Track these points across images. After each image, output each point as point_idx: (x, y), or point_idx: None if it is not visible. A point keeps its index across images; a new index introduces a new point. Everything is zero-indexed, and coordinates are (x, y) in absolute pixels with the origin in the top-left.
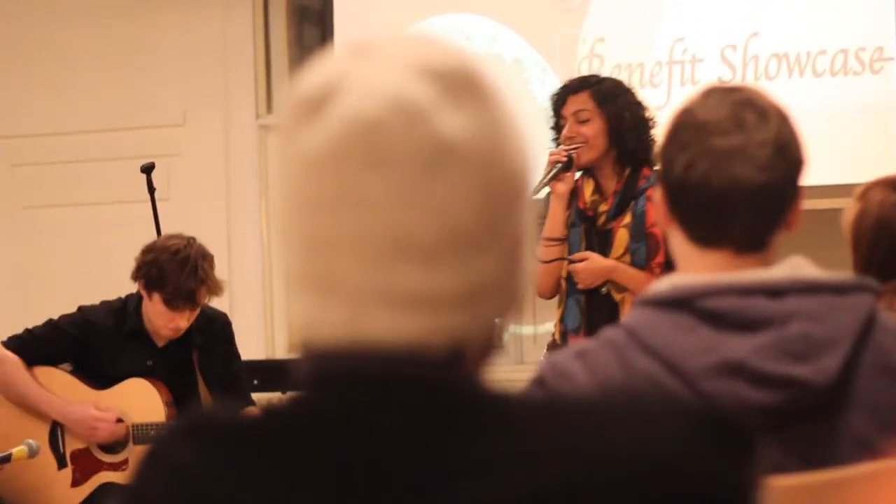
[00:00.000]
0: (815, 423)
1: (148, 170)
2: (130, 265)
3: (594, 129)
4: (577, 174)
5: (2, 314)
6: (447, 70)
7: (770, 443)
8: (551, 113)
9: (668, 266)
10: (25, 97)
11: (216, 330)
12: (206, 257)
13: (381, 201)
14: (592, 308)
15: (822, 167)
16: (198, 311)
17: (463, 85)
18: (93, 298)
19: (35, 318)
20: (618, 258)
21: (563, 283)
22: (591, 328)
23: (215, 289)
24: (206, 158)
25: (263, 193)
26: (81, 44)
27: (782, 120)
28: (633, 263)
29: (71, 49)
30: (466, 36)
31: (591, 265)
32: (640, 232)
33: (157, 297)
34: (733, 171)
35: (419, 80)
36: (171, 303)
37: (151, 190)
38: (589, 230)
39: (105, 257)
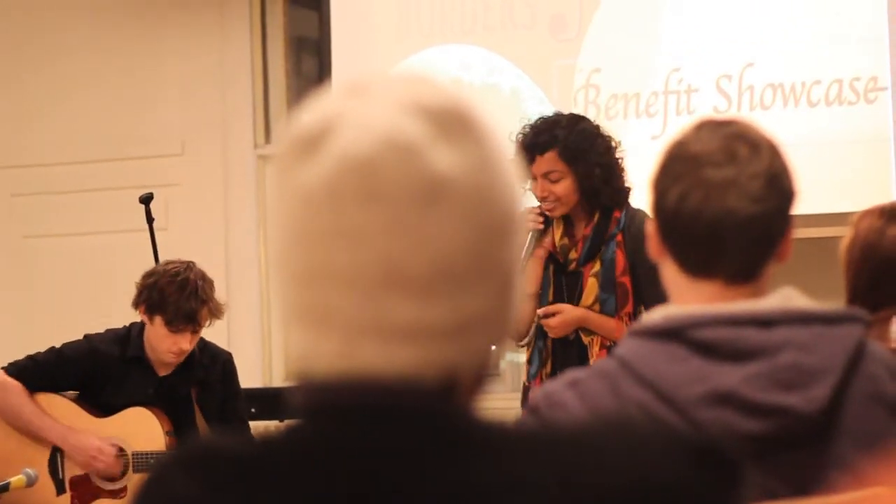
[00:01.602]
0: (805, 451)
1: (146, 200)
2: (130, 294)
3: (565, 188)
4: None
5: (1, 343)
6: (440, 108)
7: (759, 470)
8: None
9: (637, 315)
10: (25, 127)
11: (217, 367)
12: (206, 280)
13: (375, 235)
14: (561, 352)
15: (816, 196)
16: (199, 334)
17: (455, 122)
18: (92, 327)
19: (34, 346)
20: (588, 307)
21: (533, 326)
22: (556, 371)
23: (216, 311)
24: (205, 188)
25: (262, 223)
26: (80, 74)
27: (774, 152)
28: (603, 312)
29: (70, 80)
30: (464, 66)
31: (565, 318)
32: (610, 282)
33: (158, 320)
34: (726, 202)
35: (412, 117)
36: (173, 324)
37: (150, 220)
38: (557, 273)
39: (104, 286)
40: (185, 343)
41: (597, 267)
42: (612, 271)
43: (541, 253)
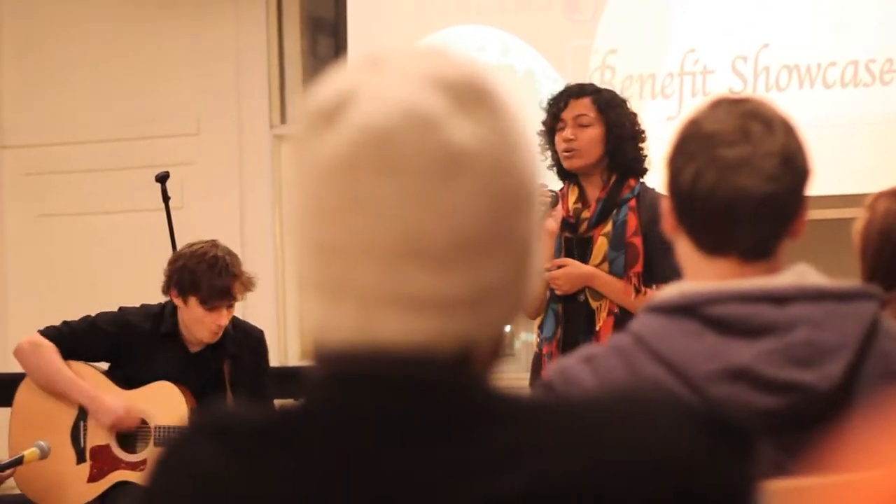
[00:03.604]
0: (818, 427)
1: (162, 179)
2: (145, 273)
3: (593, 135)
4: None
5: (17, 322)
6: (457, 81)
7: (773, 446)
8: (548, 116)
9: (646, 275)
10: (40, 107)
11: (250, 343)
12: (232, 254)
13: (393, 207)
14: (569, 316)
15: (832, 178)
16: (234, 308)
17: (473, 95)
18: (108, 306)
19: (49, 325)
20: (596, 266)
21: (546, 293)
22: (567, 335)
23: (248, 283)
24: (220, 167)
25: (277, 202)
26: (95, 54)
27: (788, 131)
28: (611, 272)
29: (85, 59)
30: (479, 47)
31: (570, 271)
32: (620, 241)
33: (193, 300)
34: (740, 181)
35: (430, 90)
36: (208, 302)
37: (166, 199)
38: (569, 238)
39: (120, 266)
40: (223, 319)
41: (608, 227)
42: (622, 231)
43: (551, 225)
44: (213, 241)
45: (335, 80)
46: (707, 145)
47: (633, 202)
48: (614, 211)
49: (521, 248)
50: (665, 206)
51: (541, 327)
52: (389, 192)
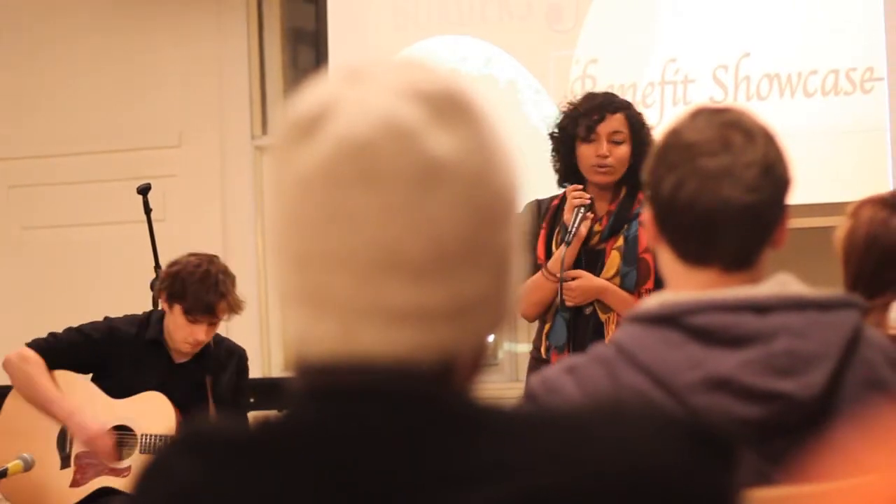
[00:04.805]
0: (801, 436)
1: (144, 191)
2: (128, 284)
3: (625, 153)
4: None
5: (1, 334)
6: (436, 92)
7: (755, 456)
8: (580, 126)
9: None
10: (22, 119)
11: (232, 361)
12: (228, 274)
13: (372, 218)
14: (577, 327)
15: (813, 186)
16: (217, 326)
17: (451, 106)
18: (91, 317)
19: (32, 337)
20: (608, 279)
21: (557, 300)
22: (576, 346)
23: (235, 305)
24: (202, 179)
25: (259, 214)
26: (77, 66)
27: (769, 141)
28: (623, 286)
29: (67, 71)
30: (461, 58)
31: (584, 283)
32: (632, 257)
33: (177, 308)
34: (721, 191)
35: (409, 102)
36: (191, 314)
37: (148, 210)
38: (579, 248)
39: (102, 277)
40: (202, 334)
41: (619, 242)
42: (634, 247)
43: (583, 231)
44: (213, 256)
45: (315, 92)
46: (688, 155)
47: (643, 217)
48: (625, 225)
49: (501, 259)
50: (646, 217)
51: (549, 335)
52: (368, 203)
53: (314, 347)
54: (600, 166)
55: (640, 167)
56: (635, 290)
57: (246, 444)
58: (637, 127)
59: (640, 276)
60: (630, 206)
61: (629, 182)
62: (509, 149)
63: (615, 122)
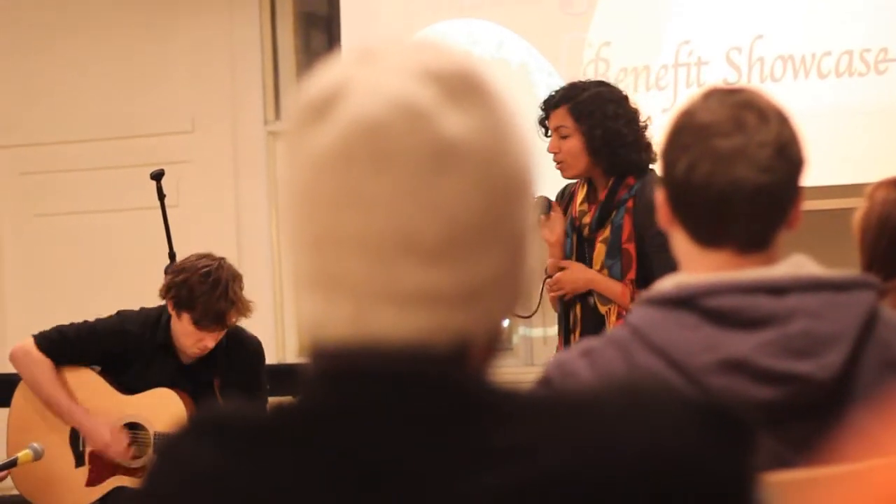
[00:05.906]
0: (817, 418)
1: (158, 177)
2: (141, 271)
3: (571, 146)
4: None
5: (14, 321)
6: (449, 73)
7: (772, 438)
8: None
9: (643, 279)
10: (35, 106)
11: (243, 356)
12: (237, 278)
13: (386, 200)
14: (582, 318)
15: (828, 168)
16: (225, 330)
17: (464, 87)
18: (103, 305)
19: (46, 325)
20: (597, 272)
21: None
22: (568, 341)
23: (244, 309)
24: (215, 165)
25: (272, 199)
26: (90, 52)
27: (782, 121)
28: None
29: (79, 57)
30: (473, 41)
31: (570, 274)
32: (616, 248)
33: (186, 317)
34: (734, 172)
35: (422, 82)
36: (200, 323)
37: (161, 197)
38: (580, 239)
39: (116, 264)
40: (211, 341)
41: (606, 233)
42: (618, 237)
43: (548, 237)
44: (221, 259)
45: (327, 74)
46: (701, 136)
47: (630, 203)
48: (613, 213)
49: (516, 240)
50: (660, 198)
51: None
52: (381, 185)
53: (328, 331)
54: (555, 162)
55: (615, 153)
56: (622, 279)
57: (260, 428)
58: (584, 116)
59: (623, 268)
60: (616, 194)
61: (615, 170)
62: (523, 130)
63: (557, 117)
